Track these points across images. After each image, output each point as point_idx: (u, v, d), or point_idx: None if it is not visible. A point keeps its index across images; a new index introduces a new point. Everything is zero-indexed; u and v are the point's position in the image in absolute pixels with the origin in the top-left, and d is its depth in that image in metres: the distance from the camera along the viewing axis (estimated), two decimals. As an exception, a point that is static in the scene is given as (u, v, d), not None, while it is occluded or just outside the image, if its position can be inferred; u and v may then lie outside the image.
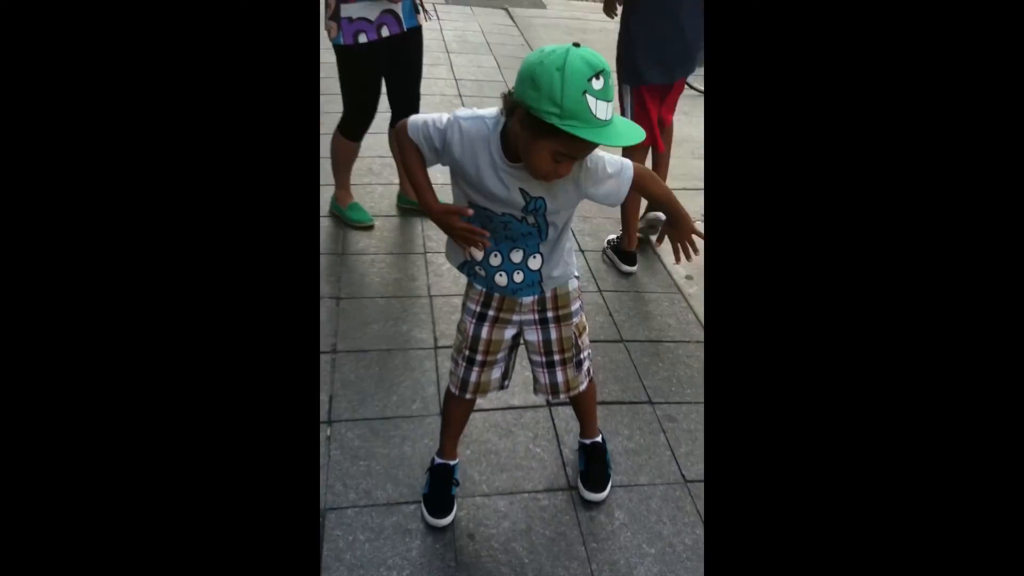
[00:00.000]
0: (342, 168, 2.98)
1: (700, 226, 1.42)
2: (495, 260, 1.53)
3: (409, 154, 1.45)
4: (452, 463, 1.83)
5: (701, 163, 3.78)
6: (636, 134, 1.26)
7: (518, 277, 1.54)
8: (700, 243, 1.45)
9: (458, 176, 1.44)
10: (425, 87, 3.01)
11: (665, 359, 2.42)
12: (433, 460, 1.84)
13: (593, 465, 1.88)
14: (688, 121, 4.39)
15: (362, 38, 2.60)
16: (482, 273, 1.56)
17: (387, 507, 1.80)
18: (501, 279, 1.54)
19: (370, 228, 2.99)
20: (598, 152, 1.37)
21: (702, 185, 3.12)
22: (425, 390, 2.18)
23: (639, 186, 1.45)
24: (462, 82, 4.65)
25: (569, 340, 1.65)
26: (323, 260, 2.77)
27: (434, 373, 2.25)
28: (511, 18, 6.32)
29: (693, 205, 3.32)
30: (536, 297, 1.60)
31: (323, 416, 2.05)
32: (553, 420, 2.10)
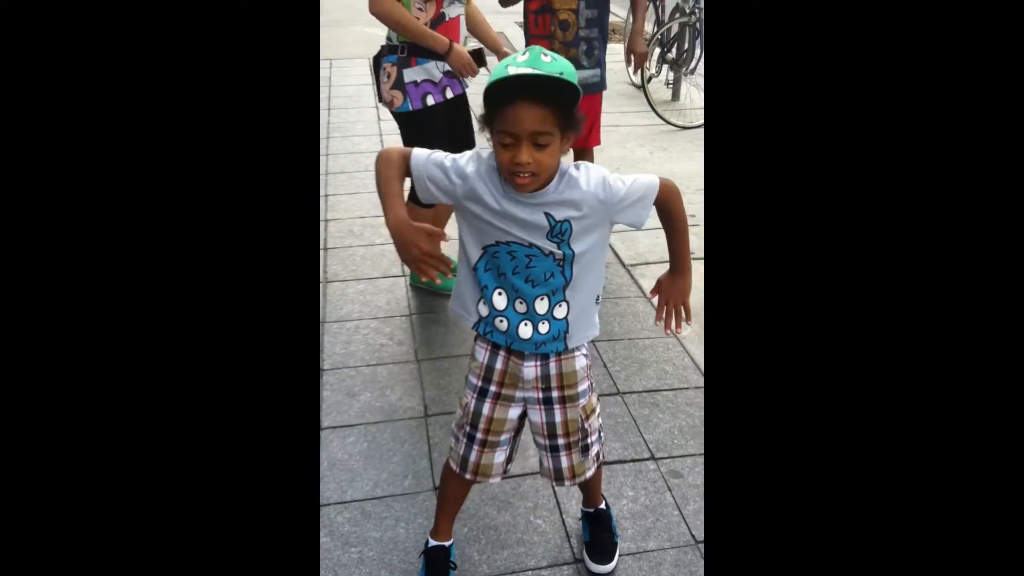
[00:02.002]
0: None
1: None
2: (521, 307, 1.42)
3: (391, 166, 1.38)
4: (448, 544, 1.72)
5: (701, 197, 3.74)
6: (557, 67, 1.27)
7: (543, 328, 1.44)
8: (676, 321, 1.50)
9: (478, 209, 1.38)
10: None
11: (665, 409, 2.32)
12: (428, 542, 1.73)
13: (598, 534, 1.77)
14: (691, 157, 4.37)
15: (430, 100, 2.54)
16: (503, 327, 1.44)
17: (382, 598, 1.69)
18: (526, 329, 1.43)
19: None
20: (616, 181, 1.38)
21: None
22: (417, 463, 2.07)
23: (664, 198, 1.41)
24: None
25: (575, 423, 1.54)
26: (305, 330, 2.68)
27: (425, 444, 2.15)
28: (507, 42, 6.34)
29: (698, 241, 3.28)
30: (539, 373, 1.50)
31: (310, 500, 1.94)
32: (553, 487, 1.99)
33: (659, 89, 5.42)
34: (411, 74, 2.50)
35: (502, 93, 1.25)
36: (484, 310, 1.45)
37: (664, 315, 1.48)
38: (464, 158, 1.39)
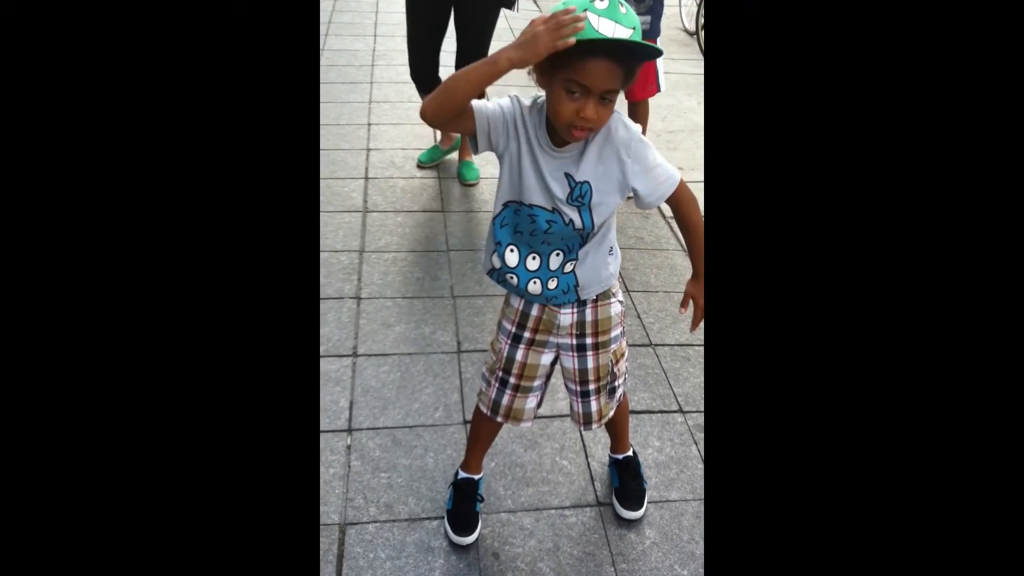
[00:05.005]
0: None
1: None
2: (533, 263, 1.42)
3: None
4: (477, 477, 1.76)
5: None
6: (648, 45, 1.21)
7: (552, 284, 1.44)
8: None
9: (506, 165, 1.37)
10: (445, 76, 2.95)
11: (696, 364, 2.33)
12: (457, 474, 1.77)
13: (628, 481, 1.80)
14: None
15: None
16: (513, 282, 1.45)
17: (409, 523, 1.74)
18: (535, 286, 1.44)
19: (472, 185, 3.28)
20: (648, 146, 1.33)
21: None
22: (448, 397, 2.11)
23: (679, 198, 1.39)
24: (485, 70, 4.56)
25: (605, 368, 1.56)
26: (344, 257, 2.70)
27: (457, 379, 2.18)
28: (536, 4, 6.19)
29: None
30: (575, 320, 1.50)
31: (343, 424, 1.99)
32: (580, 431, 2.02)
33: (713, 38, 5.26)
34: None
35: (586, 46, 1.18)
36: (496, 262, 1.45)
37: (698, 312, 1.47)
38: (507, 103, 1.35)
